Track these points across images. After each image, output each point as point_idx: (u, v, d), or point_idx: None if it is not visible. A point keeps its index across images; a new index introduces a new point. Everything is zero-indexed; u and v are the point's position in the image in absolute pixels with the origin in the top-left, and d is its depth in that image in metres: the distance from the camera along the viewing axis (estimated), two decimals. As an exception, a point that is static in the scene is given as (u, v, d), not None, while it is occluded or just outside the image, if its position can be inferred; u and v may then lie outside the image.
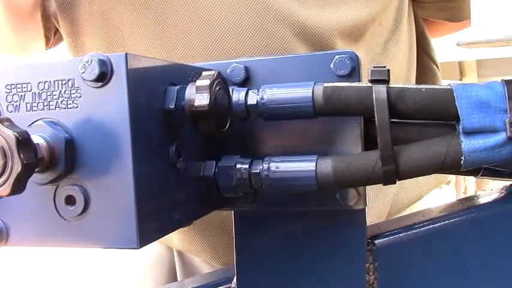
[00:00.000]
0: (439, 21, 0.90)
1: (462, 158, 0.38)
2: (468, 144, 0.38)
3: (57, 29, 0.74)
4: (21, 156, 0.30)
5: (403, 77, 0.79)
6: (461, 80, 2.36)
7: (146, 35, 0.65)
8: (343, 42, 0.66)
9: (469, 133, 0.38)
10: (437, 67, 0.87)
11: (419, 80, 0.83)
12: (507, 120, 0.37)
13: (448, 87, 0.39)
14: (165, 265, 0.80)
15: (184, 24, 0.63)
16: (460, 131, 0.38)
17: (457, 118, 0.39)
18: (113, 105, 0.33)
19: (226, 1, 0.62)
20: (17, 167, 0.30)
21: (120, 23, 0.66)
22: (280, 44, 0.63)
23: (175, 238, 0.74)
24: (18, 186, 0.31)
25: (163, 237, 0.74)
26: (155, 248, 0.81)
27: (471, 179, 2.14)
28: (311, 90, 0.41)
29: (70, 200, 0.34)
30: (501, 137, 0.38)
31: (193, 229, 0.71)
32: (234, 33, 0.63)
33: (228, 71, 0.47)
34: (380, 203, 0.73)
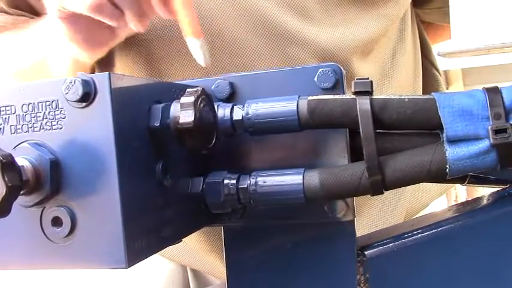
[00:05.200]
0: (444, 25, 0.92)
1: (447, 166, 0.38)
2: (453, 152, 0.38)
3: None
4: (6, 179, 0.30)
5: (411, 85, 0.81)
6: (447, 88, 2.39)
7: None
8: (356, 57, 0.68)
9: (453, 141, 0.38)
10: (439, 73, 0.88)
11: (422, 87, 0.85)
12: (489, 127, 0.38)
13: (431, 96, 0.40)
14: (179, 283, 0.80)
15: None
16: (444, 139, 0.39)
17: (440, 127, 0.39)
18: (97, 125, 0.33)
19: (241, 24, 0.64)
20: (2, 190, 0.30)
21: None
22: (295, 64, 0.64)
23: (187, 258, 0.74)
24: (3, 209, 0.30)
25: (176, 256, 0.75)
26: (169, 265, 0.80)
27: (462, 187, 2.15)
28: (295, 104, 0.41)
29: (57, 222, 0.34)
30: (485, 144, 0.38)
31: (203, 248, 0.72)
32: (250, 56, 0.64)
33: (212, 87, 0.47)
34: (394, 214, 0.73)
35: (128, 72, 0.68)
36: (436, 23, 0.93)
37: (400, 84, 0.76)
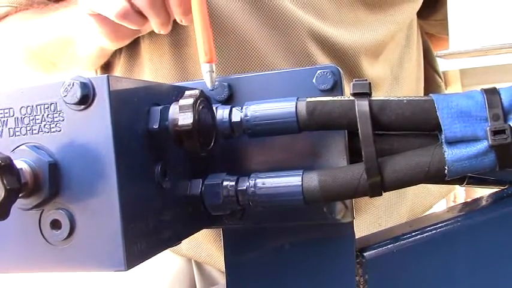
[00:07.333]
0: (446, 37, 0.94)
1: (446, 167, 0.38)
2: (451, 153, 0.38)
3: None
4: (4, 181, 0.30)
5: (414, 89, 0.84)
6: (446, 89, 2.38)
7: None
8: (366, 58, 0.71)
9: (452, 143, 0.38)
10: (441, 78, 0.91)
11: (424, 92, 0.88)
12: (488, 128, 0.38)
13: (429, 98, 0.40)
14: (185, 279, 0.80)
15: (223, 45, 0.66)
16: (443, 140, 0.39)
17: (439, 128, 0.39)
18: (96, 127, 0.33)
19: (260, 23, 0.66)
20: (0, 193, 0.30)
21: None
22: (311, 60, 0.67)
23: (193, 250, 0.75)
24: (2, 212, 0.30)
25: (182, 250, 0.75)
26: (175, 262, 0.81)
27: (460, 188, 2.14)
28: (294, 106, 0.41)
29: (56, 225, 0.34)
30: (483, 145, 0.38)
31: (209, 240, 0.72)
32: (269, 51, 0.66)
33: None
34: (395, 216, 0.74)
35: (155, 69, 0.71)
36: (438, 35, 0.96)
37: (407, 89, 0.78)
